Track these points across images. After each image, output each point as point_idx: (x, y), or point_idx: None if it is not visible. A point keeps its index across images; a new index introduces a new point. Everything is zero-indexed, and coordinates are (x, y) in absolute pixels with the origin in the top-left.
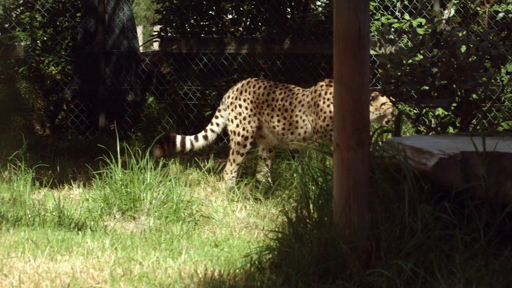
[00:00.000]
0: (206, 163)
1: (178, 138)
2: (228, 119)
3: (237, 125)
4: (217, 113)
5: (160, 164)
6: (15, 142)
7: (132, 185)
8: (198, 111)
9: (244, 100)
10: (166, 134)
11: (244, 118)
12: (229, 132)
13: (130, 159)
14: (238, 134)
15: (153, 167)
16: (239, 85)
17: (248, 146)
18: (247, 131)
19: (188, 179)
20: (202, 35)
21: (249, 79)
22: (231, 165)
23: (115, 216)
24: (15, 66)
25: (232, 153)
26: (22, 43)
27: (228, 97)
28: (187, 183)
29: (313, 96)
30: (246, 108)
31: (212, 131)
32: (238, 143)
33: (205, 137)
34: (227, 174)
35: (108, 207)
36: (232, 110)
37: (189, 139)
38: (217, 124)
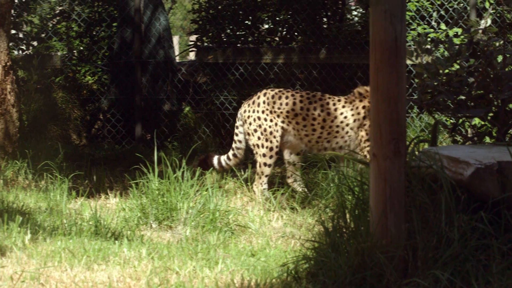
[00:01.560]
0: (243, 172)
1: (215, 159)
2: (249, 133)
3: (259, 138)
4: (236, 130)
5: (197, 173)
6: (52, 152)
7: (168, 195)
8: (235, 120)
9: (263, 112)
10: (205, 156)
11: (265, 130)
12: (252, 146)
13: (166, 168)
14: (262, 146)
15: (189, 176)
16: (254, 97)
17: (275, 157)
18: (271, 141)
19: (224, 188)
20: (238, 45)
21: (264, 90)
22: (260, 177)
23: (151, 225)
24: (51, 75)
25: (260, 166)
26: (59, 53)
27: (245, 111)
28: (224, 192)
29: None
30: (266, 120)
31: (238, 148)
32: (264, 155)
33: (235, 155)
34: (257, 187)
35: (145, 217)
36: (251, 124)
37: (223, 159)
38: (239, 141)
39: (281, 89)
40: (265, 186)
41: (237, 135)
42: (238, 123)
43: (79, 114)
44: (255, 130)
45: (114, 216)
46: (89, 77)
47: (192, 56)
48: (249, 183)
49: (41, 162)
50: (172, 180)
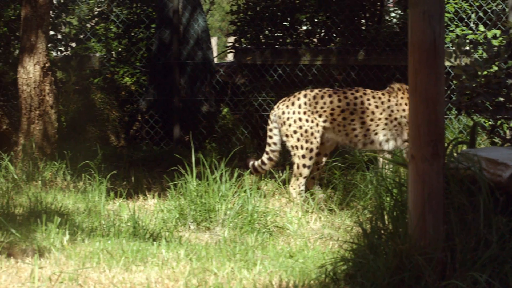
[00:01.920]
0: (281, 174)
1: (250, 163)
2: (287, 135)
3: (298, 139)
4: (269, 133)
5: (235, 175)
6: (90, 153)
7: (207, 196)
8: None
9: (305, 113)
10: (244, 162)
11: (306, 131)
12: (290, 148)
13: (205, 169)
14: (301, 148)
15: (228, 178)
16: (293, 99)
17: (314, 158)
18: (311, 142)
19: (263, 189)
20: (277, 46)
21: (303, 91)
22: (298, 179)
23: (189, 226)
24: (90, 77)
25: (298, 167)
26: (97, 54)
27: (283, 113)
28: (262, 194)
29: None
30: (307, 121)
31: (273, 151)
32: (303, 156)
33: (270, 159)
34: (294, 189)
35: (183, 218)
36: (291, 125)
37: (257, 165)
38: (274, 144)
39: (320, 89)
40: (303, 187)
41: (271, 137)
42: (272, 125)
43: (118, 115)
44: (295, 132)
45: (152, 217)
46: (128, 78)
47: (230, 57)
48: (286, 185)
49: (79, 163)
50: (211, 181)
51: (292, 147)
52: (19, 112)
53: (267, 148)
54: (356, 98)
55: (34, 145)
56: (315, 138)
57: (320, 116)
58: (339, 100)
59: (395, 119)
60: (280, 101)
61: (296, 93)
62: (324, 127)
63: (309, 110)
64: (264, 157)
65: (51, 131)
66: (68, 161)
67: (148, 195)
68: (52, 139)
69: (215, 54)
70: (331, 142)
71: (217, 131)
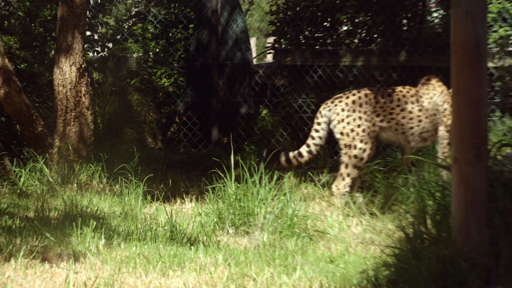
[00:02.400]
0: (321, 177)
1: (282, 156)
2: (342, 133)
3: (354, 138)
4: (316, 126)
5: (275, 178)
6: (127, 155)
7: (246, 199)
8: (313, 124)
9: (365, 112)
10: (276, 150)
11: (364, 130)
12: (342, 146)
13: (243, 172)
14: (355, 147)
15: (267, 181)
16: (353, 97)
17: (366, 159)
18: (366, 143)
19: (303, 193)
20: (317, 47)
21: (363, 91)
22: (344, 179)
23: (228, 231)
24: (127, 78)
25: (346, 167)
26: (134, 55)
27: (342, 110)
28: (302, 197)
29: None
30: (366, 120)
31: (316, 145)
32: (355, 156)
33: (310, 152)
34: (338, 189)
35: (221, 222)
36: (349, 123)
37: (293, 155)
38: (320, 138)
39: (378, 88)
40: (348, 189)
41: (317, 131)
42: (321, 119)
43: (155, 117)
44: (352, 130)
45: (190, 221)
46: (165, 79)
47: (269, 58)
48: (325, 188)
49: (115, 165)
50: (250, 184)
51: (346, 145)
52: (54, 113)
53: (310, 141)
54: (412, 96)
55: (69, 147)
56: (370, 138)
57: (378, 115)
58: (398, 99)
59: (449, 113)
60: (336, 97)
61: (355, 91)
62: (380, 127)
63: (368, 110)
64: (304, 149)
65: (87, 133)
66: (104, 164)
67: (185, 199)
68: (88, 141)
69: (254, 55)
70: (386, 142)
71: (256, 133)
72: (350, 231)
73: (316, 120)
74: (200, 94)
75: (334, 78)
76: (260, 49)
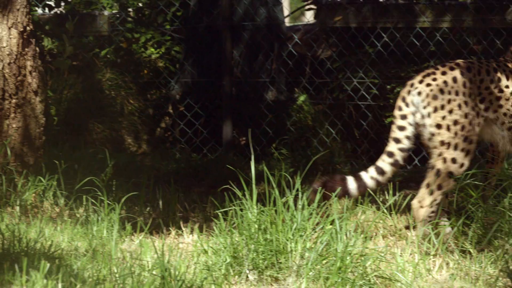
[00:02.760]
0: (386, 196)
1: (350, 182)
2: (439, 125)
3: (456, 134)
4: (401, 122)
5: (317, 197)
6: (95, 163)
7: (274, 230)
8: (375, 116)
9: (470, 95)
10: (328, 178)
11: (470, 123)
12: (437, 144)
13: (270, 189)
14: (456, 148)
15: (306, 202)
16: (452, 72)
17: (465, 167)
18: (470, 142)
19: (359, 220)
20: (381, 0)
21: (460, 65)
22: (432, 193)
23: (247, 276)
24: (94, 47)
25: (437, 174)
26: (106, 12)
27: (441, 91)
28: (359, 226)
29: None
30: (473, 109)
31: (402, 150)
32: (453, 161)
33: (395, 164)
34: (422, 207)
35: (238, 263)
36: (451, 112)
37: (370, 176)
38: (408, 138)
39: (477, 60)
40: (435, 208)
41: (404, 129)
42: (407, 109)
43: (137, 106)
44: (455, 123)
45: (190, 262)
46: (152, 49)
47: (309, 17)
48: (393, 212)
49: (78, 179)
50: (280, 207)
51: (443, 143)
52: None
53: (392, 147)
54: None
55: (8, 151)
56: (475, 135)
57: (482, 101)
58: (507, 77)
59: None
60: (425, 74)
61: (452, 64)
62: (485, 119)
63: (473, 93)
64: (385, 162)
65: (35, 130)
66: (61, 176)
67: (184, 228)
68: (36, 142)
69: (286, 12)
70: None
71: (290, 130)
72: (431, 277)
73: (398, 112)
74: (204, 72)
75: (407, 47)
76: (295, 3)
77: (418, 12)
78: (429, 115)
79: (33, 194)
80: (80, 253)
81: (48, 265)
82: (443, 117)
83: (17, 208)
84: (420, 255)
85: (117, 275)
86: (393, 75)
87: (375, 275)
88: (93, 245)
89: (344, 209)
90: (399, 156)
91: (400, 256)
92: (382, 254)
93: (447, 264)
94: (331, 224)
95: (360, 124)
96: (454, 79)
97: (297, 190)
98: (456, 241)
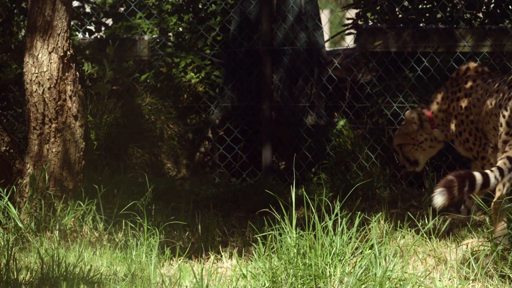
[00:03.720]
0: (426, 221)
1: (478, 176)
2: None
3: None
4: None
5: (356, 221)
6: (135, 188)
7: (313, 254)
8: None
9: None
10: (459, 173)
11: None
12: None
13: (310, 214)
14: None
15: (345, 226)
16: None
17: None
18: None
19: (399, 244)
20: (422, 25)
21: None
22: None
23: None
24: (134, 71)
25: None
26: (146, 37)
27: None
28: (398, 251)
29: None
30: None
31: None
32: None
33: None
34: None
35: (277, 287)
36: None
37: (494, 176)
38: None
39: None
40: None
41: None
42: None
43: (177, 131)
44: None
45: (229, 286)
46: (192, 74)
47: (349, 41)
48: (433, 236)
49: (117, 203)
50: (319, 232)
51: None
52: (26, 125)
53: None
54: None
55: (48, 175)
56: None
57: None
58: None
59: None
60: None
61: None
62: None
63: None
64: (506, 165)
65: (75, 154)
66: (100, 201)
67: (223, 253)
68: (76, 166)
69: (326, 36)
70: None
71: (330, 154)
72: None
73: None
74: (244, 96)
75: (447, 72)
76: (335, 28)
77: (459, 36)
78: None
79: (72, 219)
80: (119, 278)
81: None
82: None
83: (56, 232)
84: (459, 280)
85: None
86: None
87: None
88: (132, 270)
89: (384, 233)
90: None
91: (439, 280)
92: (421, 279)
93: None
94: (370, 249)
95: None
96: None
97: (336, 214)
98: (495, 266)
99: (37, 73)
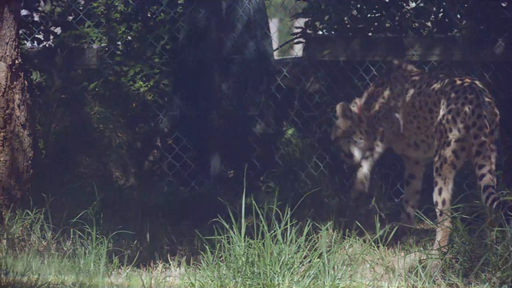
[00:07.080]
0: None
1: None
2: None
3: None
4: None
5: (305, 230)
6: (83, 197)
7: (261, 263)
8: None
9: None
10: None
11: None
12: None
13: (258, 222)
14: None
15: (294, 235)
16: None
17: None
18: None
19: (347, 253)
20: (370, 34)
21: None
22: None
23: None
24: (83, 80)
25: None
26: (94, 45)
27: None
28: (346, 260)
29: None
30: None
31: None
32: None
33: None
34: None
35: None
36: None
37: None
38: None
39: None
40: None
41: None
42: None
43: (125, 139)
44: None
45: None
46: (141, 83)
47: (298, 50)
48: (380, 244)
49: (66, 212)
50: (268, 240)
51: None
52: None
53: None
54: None
55: None
56: None
57: None
58: None
59: None
60: None
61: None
62: None
63: None
64: None
65: (23, 163)
66: (48, 210)
67: (171, 262)
68: (24, 175)
69: (275, 45)
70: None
71: (278, 163)
72: None
73: None
74: (193, 105)
75: None
76: (284, 36)
77: (407, 45)
78: None
79: (20, 228)
80: (67, 287)
81: None
82: None
83: (4, 241)
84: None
85: None
86: None
87: None
88: (80, 279)
89: (332, 242)
90: None
91: None
92: (370, 287)
93: None
94: (319, 257)
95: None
96: None
97: (286, 223)
98: (443, 274)
99: None
